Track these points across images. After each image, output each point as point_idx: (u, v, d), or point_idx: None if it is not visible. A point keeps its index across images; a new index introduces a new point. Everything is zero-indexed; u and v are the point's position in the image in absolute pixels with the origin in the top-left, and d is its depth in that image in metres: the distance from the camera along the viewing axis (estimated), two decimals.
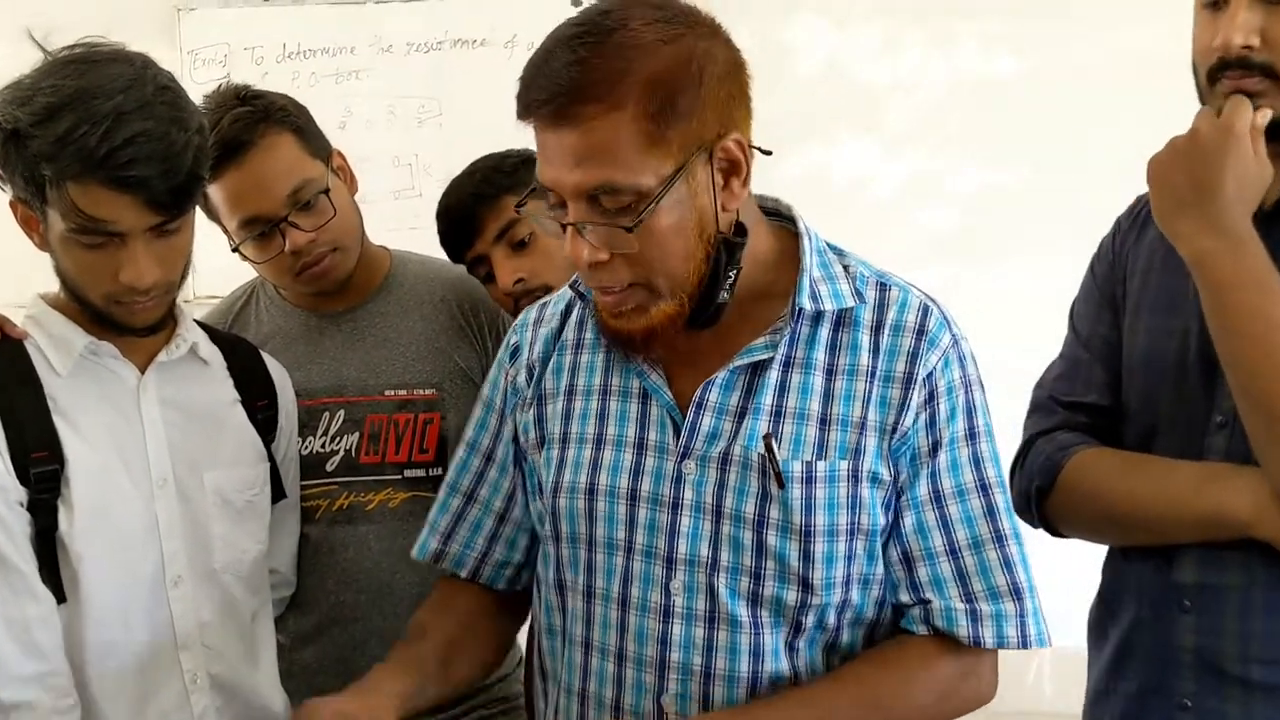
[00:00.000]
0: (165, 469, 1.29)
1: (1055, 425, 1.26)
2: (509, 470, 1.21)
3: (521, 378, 1.20)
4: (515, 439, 1.20)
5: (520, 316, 1.25)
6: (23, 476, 1.20)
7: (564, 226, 1.03)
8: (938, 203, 3.21)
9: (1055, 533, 1.28)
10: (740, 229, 1.08)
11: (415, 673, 1.12)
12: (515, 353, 1.21)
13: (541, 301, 1.25)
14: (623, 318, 1.07)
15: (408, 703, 1.10)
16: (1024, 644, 1.09)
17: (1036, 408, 1.30)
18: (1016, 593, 1.09)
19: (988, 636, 1.09)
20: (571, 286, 1.19)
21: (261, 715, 1.37)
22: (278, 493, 1.43)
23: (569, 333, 1.18)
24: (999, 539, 1.09)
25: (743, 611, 1.08)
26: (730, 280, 1.06)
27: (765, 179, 1.10)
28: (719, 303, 1.07)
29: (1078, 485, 1.20)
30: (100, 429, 1.26)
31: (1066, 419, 1.26)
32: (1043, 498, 1.24)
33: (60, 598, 1.22)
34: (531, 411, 1.18)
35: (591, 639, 1.12)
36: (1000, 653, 1.12)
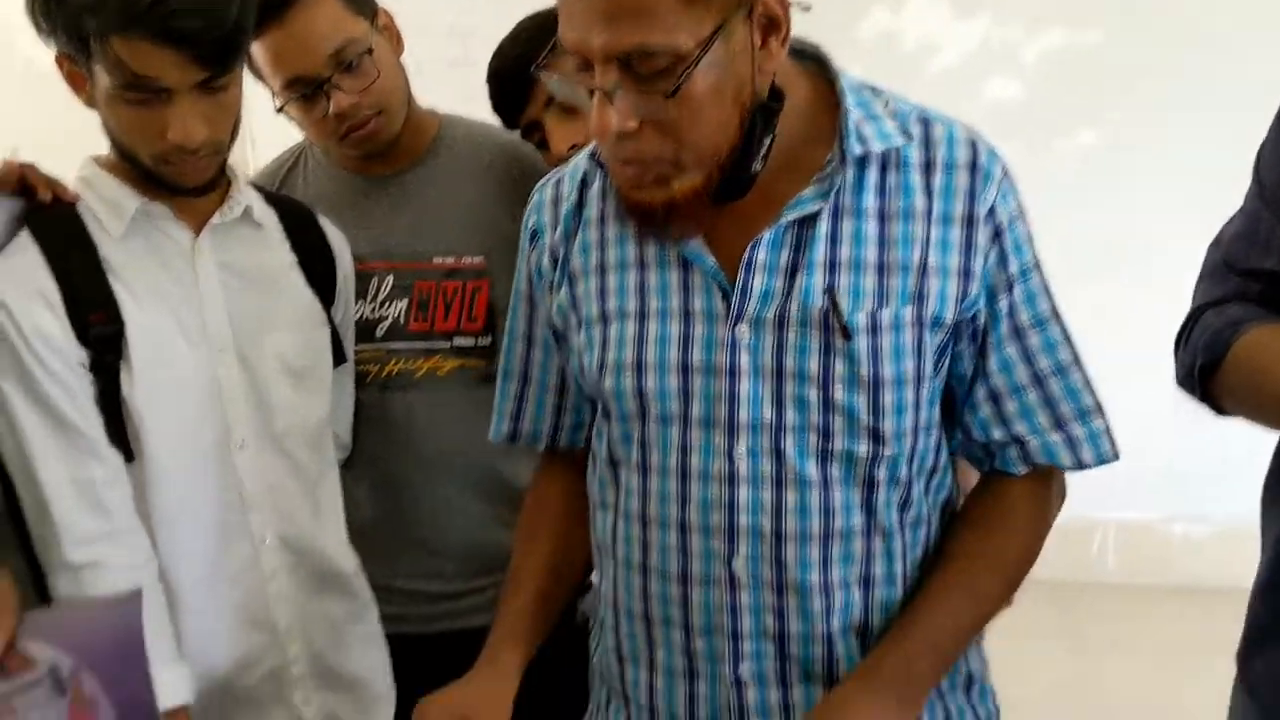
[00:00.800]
0: (225, 334, 1.29)
1: (1226, 295, 1.18)
2: (553, 349, 1.20)
3: (545, 261, 1.16)
4: (552, 324, 1.18)
5: (534, 196, 1.19)
6: (82, 338, 1.20)
7: (590, 92, 0.98)
8: (1009, 69, 3.10)
9: (1220, 411, 1.20)
10: (776, 93, 1.02)
11: (525, 634, 1.15)
12: (535, 236, 1.17)
13: (555, 177, 1.18)
14: (643, 189, 1.01)
15: (527, 663, 1.14)
16: (1117, 455, 1.11)
17: (1209, 272, 1.21)
18: (1099, 408, 1.11)
19: (1088, 457, 1.11)
20: (590, 156, 1.14)
21: (332, 575, 1.39)
22: (338, 356, 1.43)
23: (591, 207, 1.13)
24: (1077, 361, 1.10)
25: (812, 470, 1.06)
26: (765, 149, 1.01)
27: (831, 43, 1.05)
28: (751, 173, 1.02)
29: (1246, 365, 1.13)
30: (156, 292, 1.26)
31: (1240, 287, 1.17)
32: (1207, 376, 1.17)
33: (128, 456, 1.23)
34: (563, 294, 1.14)
35: (649, 513, 1.10)
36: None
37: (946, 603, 1.08)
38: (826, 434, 1.06)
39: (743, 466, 1.06)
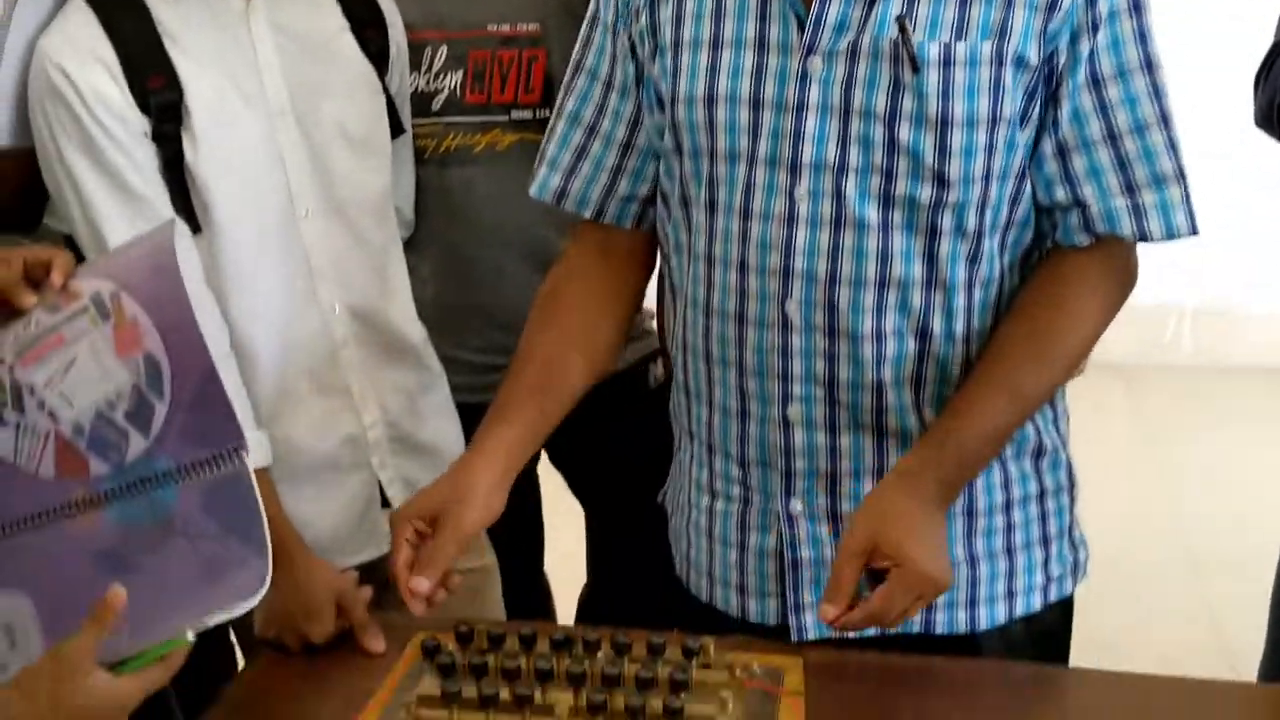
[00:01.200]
0: (283, 98, 1.27)
1: None
2: (630, 92, 1.16)
3: None
4: (633, 53, 1.14)
5: None
6: (142, 106, 1.19)
7: None
8: None
9: None
10: None
11: (516, 416, 1.13)
12: None
13: None
14: None
15: (525, 446, 1.12)
16: (1193, 229, 1.04)
17: None
18: (1181, 176, 1.03)
19: (1155, 228, 1.04)
20: None
21: (401, 346, 1.40)
22: (395, 128, 1.40)
23: None
24: (1164, 120, 1.03)
25: (872, 214, 1.04)
26: None
27: None
28: None
29: None
30: (212, 55, 1.23)
31: None
32: None
33: (195, 228, 1.23)
34: (644, 18, 1.12)
35: (714, 252, 1.10)
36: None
37: (989, 406, 1.05)
38: (889, 176, 1.03)
39: (803, 207, 1.05)
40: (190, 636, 0.90)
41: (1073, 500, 1.21)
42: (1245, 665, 1.79)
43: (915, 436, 1.11)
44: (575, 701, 0.97)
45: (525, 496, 1.93)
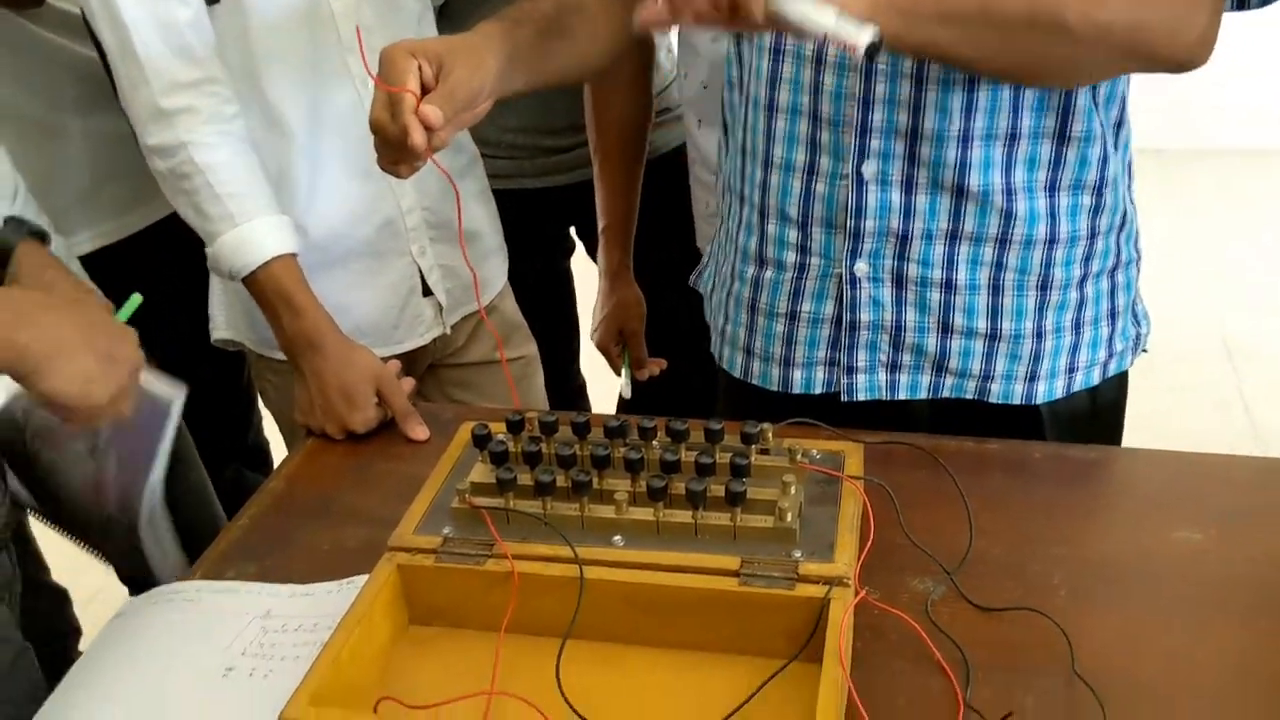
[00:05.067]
0: None
1: None
2: None
3: None
4: None
5: None
6: None
7: None
8: None
9: None
10: None
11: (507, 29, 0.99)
12: None
13: None
14: None
15: (521, 46, 0.99)
16: None
17: None
18: None
19: None
20: None
21: None
22: None
23: None
24: None
25: None
26: None
27: None
28: None
29: None
30: None
31: None
32: None
33: None
34: None
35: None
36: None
37: None
38: None
39: None
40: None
41: (1138, 273, 1.17)
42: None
43: (997, 198, 1.05)
44: (633, 487, 0.94)
45: (558, 288, 1.90)
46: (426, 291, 1.40)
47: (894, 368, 1.14)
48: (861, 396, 1.15)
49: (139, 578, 1.08)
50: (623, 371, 1.67)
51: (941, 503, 1.01)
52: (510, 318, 1.55)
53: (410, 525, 0.94)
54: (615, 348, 1.65)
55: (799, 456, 0.97)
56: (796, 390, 1.18)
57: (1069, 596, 0.91)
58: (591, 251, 1.77)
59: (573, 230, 1.89)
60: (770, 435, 0.99)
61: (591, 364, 1.99)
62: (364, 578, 0.91)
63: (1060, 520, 1.00)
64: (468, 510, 0.94)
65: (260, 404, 1.69)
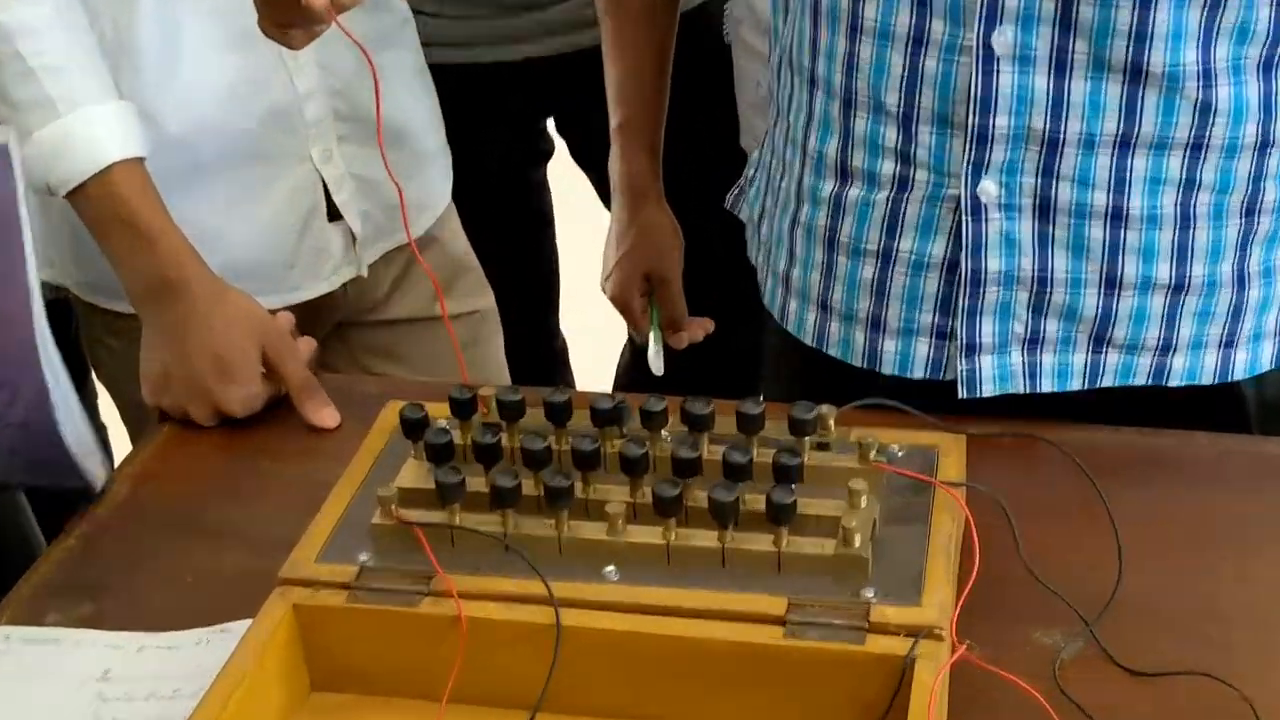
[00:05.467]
0: None
1: None
2: None
3: None
4: None
5: None
6: None
7: None
8: None
9: None
10: None
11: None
12: None
13: None
14: None
15: None
16: None
17: None
18: None
19: None
20: None
21: None
22: None
23: None
24: None
25: None
26: None
27: None
28: None
29: None
30: None
31: None
32: None
33: None
34: None
35: None
36: None
37: None
38: None
39: None
40: None
41: None
42: None
43: (1190, 85, 1.05)
44: (634, 497, 0.93)
45: (528, 210, 1.91)
46: (334, 215, 1.40)
47: (1034, 343, 1.14)
48: (988, 390, 1.15)
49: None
50: (650, 337, 1.64)
51: (1079, 521, 1.00)
52: (457, 254, 1.54)
53: (312, 549, 0.93)
54: (640, 301, 1.62)
55: (874, 453, 0.97)
56: (887, 370, 1.18)
57: (1253, 656, 0.91)
58: (582, 155, 1.76)
59: (551, 125, 1.88)
60: (832, 422, 0.98)
61: (576, 321, 1.98)
62: (245, 624, 0.90)
63: (1250, 550, 1.00)
64: (395, 528, 0.93)
65: (93, 376, 1.68)
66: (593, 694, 0.87)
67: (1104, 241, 1.10)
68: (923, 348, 1.17)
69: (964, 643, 0.86)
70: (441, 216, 1.52)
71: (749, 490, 0.91)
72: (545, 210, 1.93)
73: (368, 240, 1.43)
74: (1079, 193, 1.09)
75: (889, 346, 1.18)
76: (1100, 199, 1.09)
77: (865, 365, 1.19)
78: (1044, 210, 1.10)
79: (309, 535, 0.94)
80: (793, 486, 0.90)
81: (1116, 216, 1.10)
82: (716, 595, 0.87)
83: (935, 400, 1.12)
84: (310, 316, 1.39)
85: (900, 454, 0.98)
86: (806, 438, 0.96)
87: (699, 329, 1.62)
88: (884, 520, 0.93)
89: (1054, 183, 1.09)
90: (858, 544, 0.88)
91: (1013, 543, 0.96)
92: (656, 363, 1.62)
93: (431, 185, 1.50)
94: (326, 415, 1.19)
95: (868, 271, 1.17)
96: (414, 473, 0.98)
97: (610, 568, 0.90)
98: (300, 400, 1.20)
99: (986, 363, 1.14)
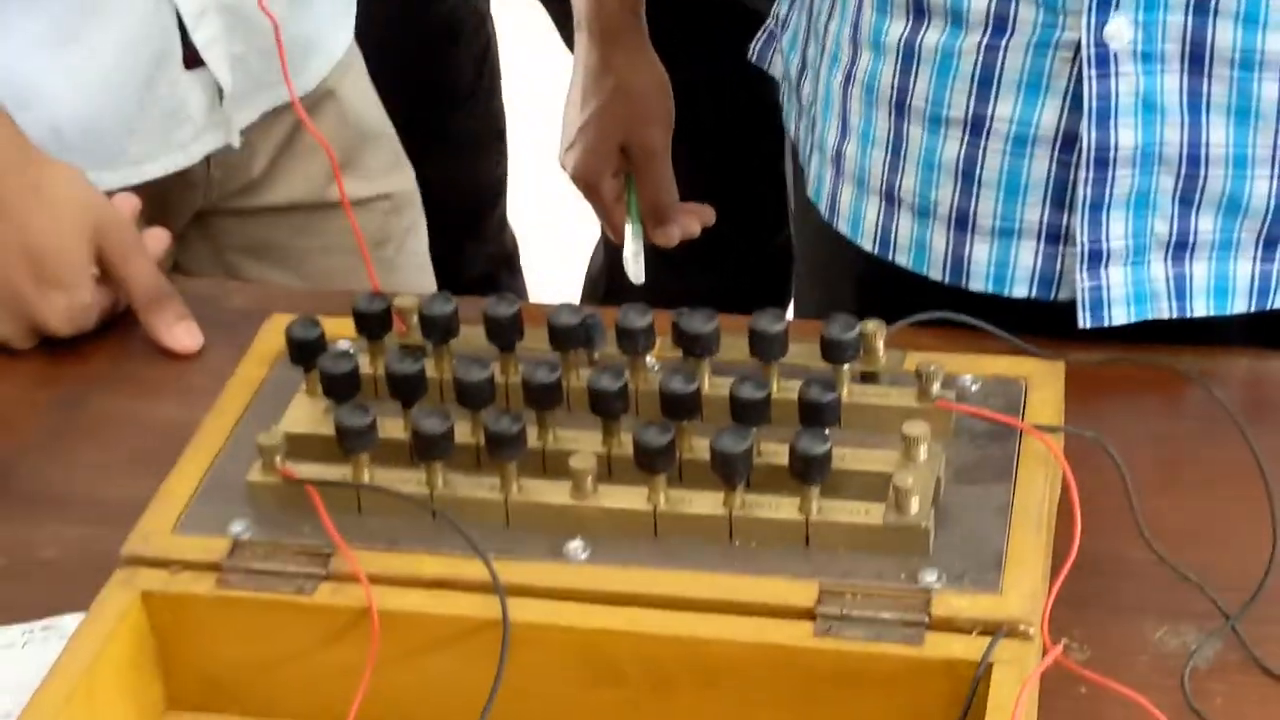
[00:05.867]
0: None
1: None
2: None
3: None
4: None
5: None
6: None
7: None
8: None
9: None
10: None
11: None
12: None
13: None
14: None
15: None
16: None
17: None
18: None
19: None
20: None
21: None
22: None
23: None
24: None
25: None
26: None
27: None
28: None
29: None
30: None
31: None
32: None
33: None
34: None
35: None
36: None
37: None
38: None
39: None
40: None
41: None
42: None
43: None
44: (608, 446, 0.95)
45: (460, 55, 1.91)
46: (192, 61, 1.40)
47: (1183, 248, 1.16)
48: (1120, 316, 1.16)
49: None
50: (627, 231, 1.65)
51: (1222, 484, 1.02)
52: (362, 118, 1.56)
53: (167, 518, 0.94)
54: (613, 182, 1.63)
55: (937, 387, 0.98)
56: (977, 285, 1.20)
57: None
58: None
59: None
60: (881, 344, 1.00)
61: (529, 213, 1.99)
62: (75, 618, 0.91)
63: None
64: (280, 488, 0.95)
65: None
66: (551, 716, 0.89)
67: (1276, 105, 1.12)
68: (1027, 255, 1.18)
69: (1060, 643, 0.88)
70: (341, 64, 1.53)
71: (766, 438, 0.92)
72: (485, 55, 1.94)
73: (239, 96, 1.44)
74: (1245, 35, 1.10)
75: (979, 253, 1.19)
76: (1275, 43, 1.10)
77: (947, 279, 1.21)
78: (1196, 60, 1.12)
79: (162, 498, 0.95)
80: (826, 432, 0.91)
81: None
82: (722, 580, 0.89)
83: (1045, 330, 1.13)
84: (161, 202, 1.40)
85: (974, 388, 1.00)
86: (845, 365, 0.98)
87: (694, 220, 1.63)
88: (951, 478, 0.94)
89: (1210, 21, 1.10)
90: (915, 510, 0.90)
91: (1129, 510, 0.97)
92: (635, 266, 1.63)
93: (326, 19, 1.51)
94: (183, 333, 1.20)
95: (951, 148, 1.18)
96: (306, 413, 0.99)
97: (576, 543, 0.92)
98: (148, 313, 1.21)
99: (1116, 276, 1.16)
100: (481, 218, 2.02)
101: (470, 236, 1.98)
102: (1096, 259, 1.16)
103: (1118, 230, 1.15)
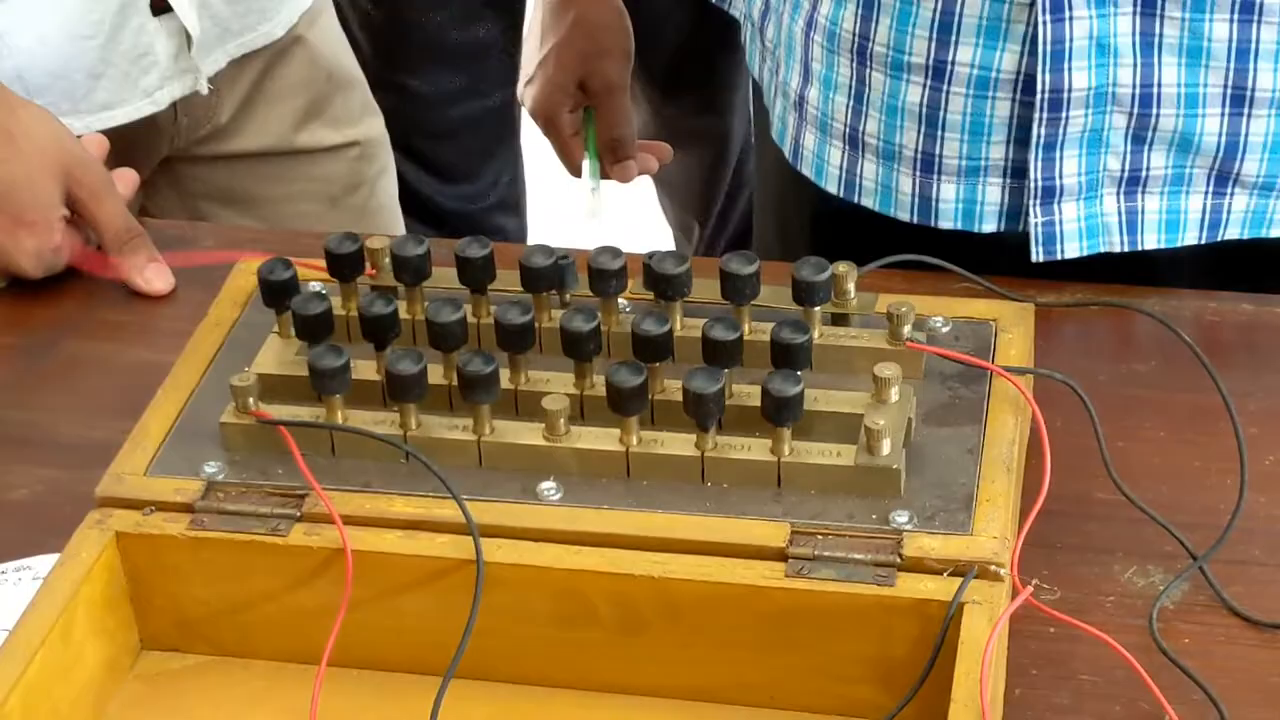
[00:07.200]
0: None
1: None
2: None
3: None
4: None
5: None
6: None
7: None
8: None
9: None
10: None
11: None
12: None
13: None
14: None
15: None
16: None
17: None
18: None
19: None
20: None
21: None
22: None
23: None
24: None
25: None
26: None
27: None
28: None
29: None
30: None
31: None
32: None
33: None
34: None
35: None
36: None
37: None
38: None
39: None
40: None
41: None
42: None
43: None
44: (581, 387, 0.95)
45: None
46: (160, 6, 1.39)
47: (1134, 184, 1.16)
48: (1072, 249, 1.17)
49: None
50: (585, 168, 1.64)
51: (1188, 422, 1.02)
52: (331, 64, 1.55)
53: (140, 460, 0.94)
54: (570, 118, 1.62)
55: (908, 329, 0.98)
56: (946, 223, 1.20)
57: None
58: None
59: None
60: (852, 286, 0.99)
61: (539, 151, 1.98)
62: (49, 559, 0.91)
63: None
64: (253, 429, 0.94)
65: None
66: (524, 656, 0.89)
67: (1231, 43, 1.12)
68: (994, 191, 1.18)
69: (1029, 583, 0.88)
70: (311, 11, 1.51)
71: (738, 379, 0.92)
72: None
73: (208, 42, 1.43)
74: None
75: (947, 192, 1.19)
76: None
77: (915, 219, 1.20)
78: (1149, 2, 1.11)
79: (135, 440, 0.95)
80: (798, 374, 0.91)
81: (1248, 8, 1.11)
82: (693, 521, 0.89)
83: (1007, 265, 1.14)
84: (127, 148, 1.39)
85: (945, 329, 1.00)
86: (817, 308, 0.98)
87: (652, 155, 1.63)
88: (922, 420, 0.94)
89: None
90: (886, 451, 0.90)
91: (1097, 450, 0.97)
92: (593, 203, 1.63)
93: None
94: (155, 274, 1.20)
95: (914, 93, 1.18)
96: (278, 354, 0.98)
97: (549, 483, 0.92)
98: (119, 255, 1.20)
99: (1070, 212, 1.16)
100: None
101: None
102: (1050, 195, 1.16)
103: (1071, 168, 1.15)
